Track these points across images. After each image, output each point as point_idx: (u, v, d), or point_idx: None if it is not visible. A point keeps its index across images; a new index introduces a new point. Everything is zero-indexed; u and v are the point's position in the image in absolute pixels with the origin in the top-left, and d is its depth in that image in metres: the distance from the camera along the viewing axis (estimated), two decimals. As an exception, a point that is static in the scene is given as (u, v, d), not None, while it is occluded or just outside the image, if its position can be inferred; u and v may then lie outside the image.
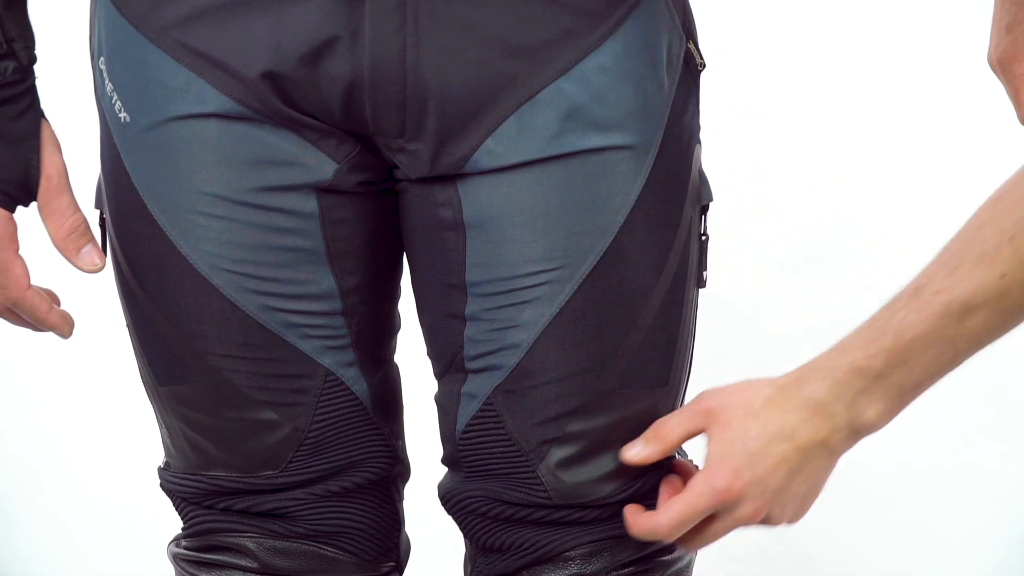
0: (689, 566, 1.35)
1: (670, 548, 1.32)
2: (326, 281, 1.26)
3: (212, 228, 1.23)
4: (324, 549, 1.33)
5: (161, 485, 1.38)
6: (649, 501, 1.28)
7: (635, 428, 1.26)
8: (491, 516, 1.28)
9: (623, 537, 1.27)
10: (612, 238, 1.22)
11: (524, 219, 1.21)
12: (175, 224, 1.24)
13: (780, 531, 1.87)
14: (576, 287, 1.21)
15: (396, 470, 1.37)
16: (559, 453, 1.24)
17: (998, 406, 2.47)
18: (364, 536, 1.35)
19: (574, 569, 1.28)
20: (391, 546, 1.38)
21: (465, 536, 1.33)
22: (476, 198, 1.22)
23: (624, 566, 1.28)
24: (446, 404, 1.29)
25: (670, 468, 1.30)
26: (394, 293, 1.36)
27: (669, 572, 1.31)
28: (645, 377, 1.25)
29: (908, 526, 2.44)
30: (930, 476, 2.46)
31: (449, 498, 1.31)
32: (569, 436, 1.24)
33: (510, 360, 1.23)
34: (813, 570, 2.39)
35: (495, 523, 1.29)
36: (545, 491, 1.25)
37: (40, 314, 1.24)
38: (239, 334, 1.26)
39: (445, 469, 1.34)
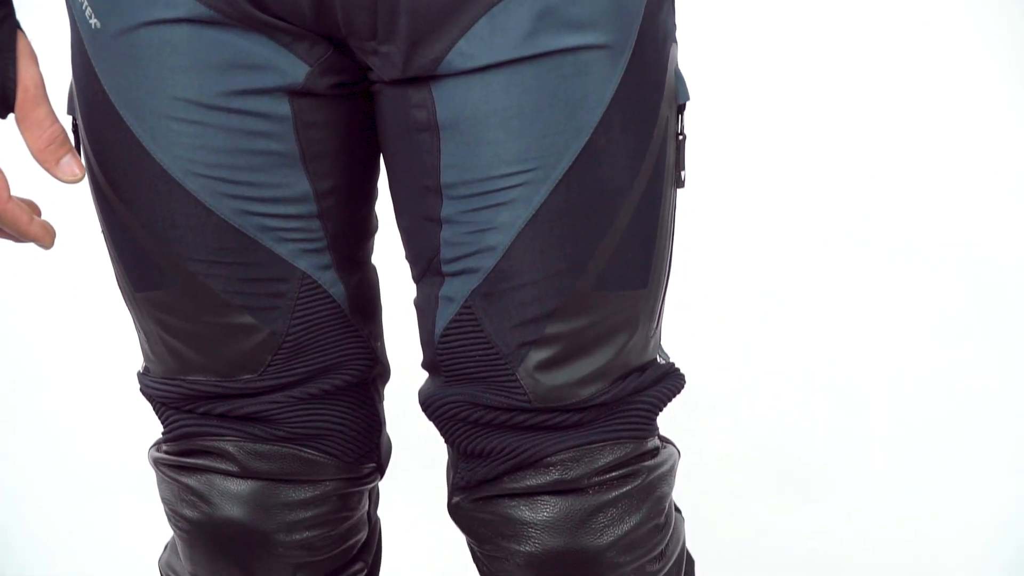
0: (672, 470, 1.37)
1: (653, 452, 1.33)
2: (300, 184, 1.27)
3: (185, 133, 1.24)
4: (305, 452, 1.35)
5: (141, 390, 1.39)
6: (629, 404, 1.30)
7: (614, 330, 1.26)
8: (471, 421, 1.29)
9: (605, 442, 1.29)
10: (587, 138, 1.21)
11: (498, 120, 1.20)
12: (148, 130, 1.24)
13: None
14: (552, 188, 1.21)
15: (375, 371, 1.39)
16: (537, 355, 1.25)
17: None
18: (345, 438, 1.36)
19: (555, 474, 1.29)
20: (372, 447, 1.40)
21: (447, 442, 1.34)
22: (450, 100, 1.22)
23: (605, 471, 1.30)
24: (424, 307, 1.29)
25: (643, 368, 1.32)
26: (370, 195, 1.36)
27: (652, 477, 1.33)
28: (624, 279, 1.26)
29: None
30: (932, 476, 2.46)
31: (430, 404, 1.32)
32: (547, 338, 1.24)
33: (487, 263, 1.23)
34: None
35: (476, 428, 1.30)
36: (524, 394, 1.26)
37: (21, 225, 1.24)
38: (214, 239, 1.26)
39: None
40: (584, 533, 1.30)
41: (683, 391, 1.36)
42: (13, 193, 1.24)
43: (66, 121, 1.30)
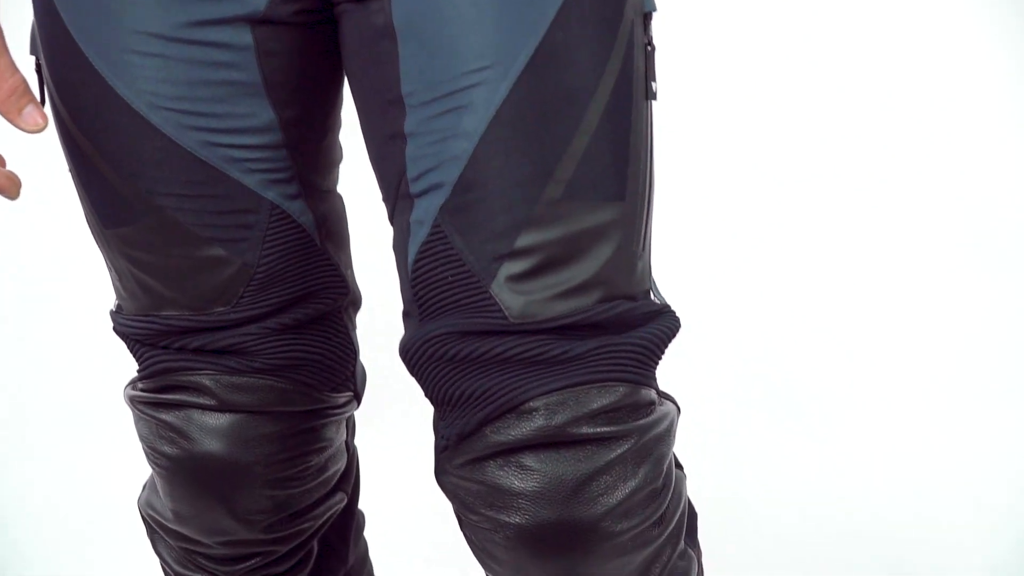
0: (671, 429, 1.28)
1: (648, 408, 1.25)
2: (265, 114, 1.27)
3: (148, 66, 1.24)
4: (281, 382, 1.35)
5: (114, 328, 1.39)
6: (619, 342, 1.22)
7: (591, 243, 1.21)
8: (449, 358, 1.22)
9: (591, 384, 1.21)
10: (544, 33, 1.18)
11: (453, 15, 1.18)
12: (110, 65, 1.24)
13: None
14: (511, 86, 1.17)
15: (347, 299, 1.39)
16: (511, 268, 1.19)
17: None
18: (321, 367, 1.37)
19: (539, 420, 1.20)
20: (347, 375, 1.41)
21: (428, 395, 1.26)
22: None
23: (594, 418, 1.21)
24: (399, 241, 1.25)
25: (632, 297, 1.24)
26: (334, 124, 1.36)
27: (648, 437, 1.24)
28: (597, 188, 1.20)
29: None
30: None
31: (408, 349, 1.24)
32: (520, 251, 1.19)
33: (452, 174, 1.19)
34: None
35: (453, 366, 1.22)
36: (500, 310, 1.19)
37: None
38: (181, 171, 1.26)
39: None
40: (577, 503, 1.20)
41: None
42: None
43: (29, 62, 1.30)
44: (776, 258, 2.99)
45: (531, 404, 1.19)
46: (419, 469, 2.02)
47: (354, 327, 1.43)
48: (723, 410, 2.69)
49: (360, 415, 1.59)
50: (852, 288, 2.94)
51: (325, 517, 1.47)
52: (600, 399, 1.20)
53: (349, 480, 1.52)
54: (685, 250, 2.93)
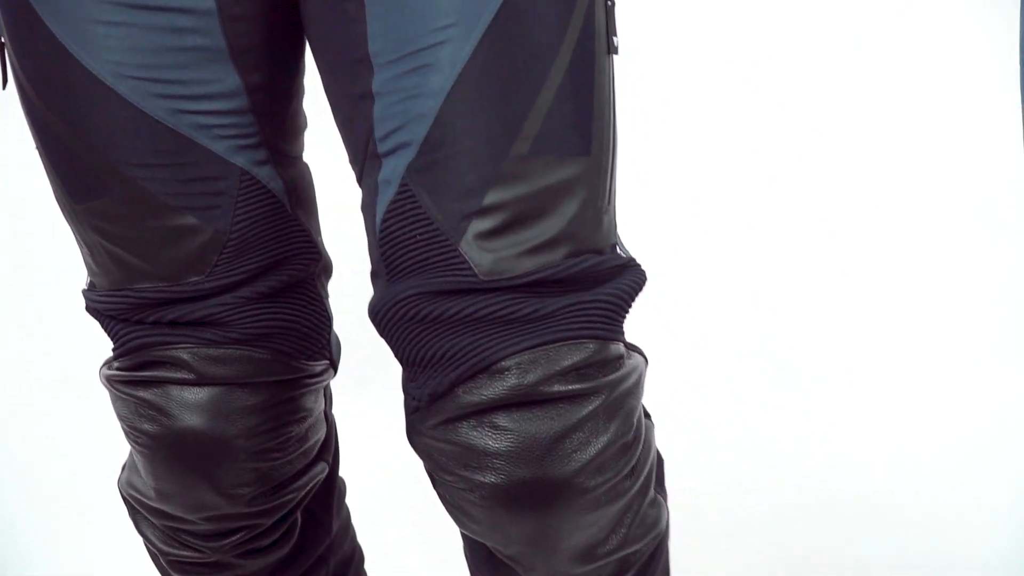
0: (640, 381, 1.30)
1: (617, 362, 1.26)
2: (231, 79, 1.27)
3: (112, 36, 1.23)
4: (259, 352, 1.35)
5: (87, 307, 1.39)
6: (587, 299, 1.23)
7: (558, 199, 1.22)
8: (419, 319, 1.22)
9: (562, 341, 1.22)
10: None
11: None
12: (74, 36, 1.23)
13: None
14: (476, 44, 1.18)
15: (319, 266, 1.39)
16: (479, 225, 1.20)
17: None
18: (297, 335, 1.37)
19: (511, 379, 1.21)
20: (323, 343, 1.41)
21: (397, 356, 1.26)
22: None
23: (565, 375, 1.22)
24: (367, 201, 1.25)
25: (599, 251, 1.25)
26: (299, 90, 1.36)
27: (617, 392, 1.25)
28: (562, 144, 1.21)
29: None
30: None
31: (377, 310, 1.24)
32: (488, 208, 1.20)
33: (418, 132, 1.20)
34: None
35: (423, 326, 1.22)
36: (469, 268, 1.20)
37: None
38: (150, 141, 1.26)
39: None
40: (551, 461, 1.22)
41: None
42: None
43: None
44: (774, 234, 3.00)
45: (503, 364, 1.21)
46: (396, 435, 2.03)
47: (327, 294, 1.43)
48: (720, 391, 2.70)
49: (334, 384, 1.59)
50: (852, 263, 2.96)
51: (308, 488, 1.46)
52: (571, 356, 1.22)
53: (329, 450, 1.52)
54: (680, 222, 2.93)
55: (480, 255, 1.20)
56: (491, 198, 1.19)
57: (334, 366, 1.44)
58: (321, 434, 1.46)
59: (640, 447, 1.29)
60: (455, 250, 1.20)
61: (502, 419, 1.21)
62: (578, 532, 1.26)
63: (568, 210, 1.22)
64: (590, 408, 1.23)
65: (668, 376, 2.54)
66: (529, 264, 1.21)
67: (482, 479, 1.22)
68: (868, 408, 2.62)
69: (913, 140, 2.99)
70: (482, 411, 1.22)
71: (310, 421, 1.42)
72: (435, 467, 1.26)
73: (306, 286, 1.38)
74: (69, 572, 2.24)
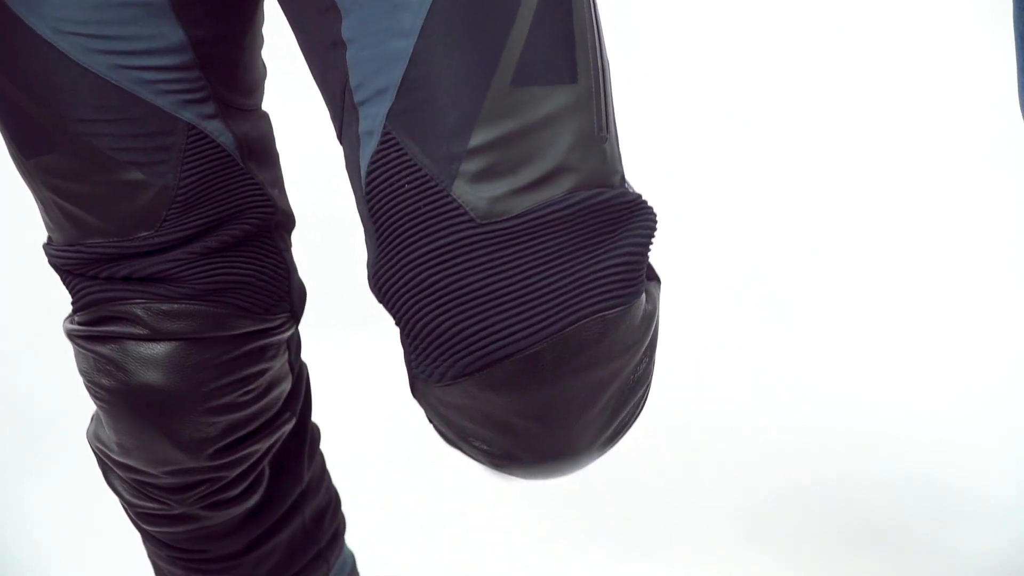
0: (657, 324, 1.25)
1: (640, 329, 1.20)
2: (174, 34, 1.26)
3: None
4: (213, 307, 1.35)
5: (49, 261, 1.40)
6: (605, 268, 1.17)
7: (549, 131, 1.17)
8: (423, 287, 1.15)
9: (579, 321, 1.15)
10: None
11: None
12: None
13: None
14: None
15: (276, 219, 1.39)
16: (470, 167, 1.15)
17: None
18: (252, 288, 1.37)
19: (530, 364, 1.15)
20: (282, 295, 1.40)
21: (400, 328, 1.20)
22: None
23: (584, 357, 1.16)
24: (350, 156, 1.21)
25: (610, 185, 1.19)
26: (254, 42, 1.35)
27: (637, 357, 1.21)
28: (546, 71, 1.16)
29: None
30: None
31: (378, 279, 1.19)
32: (476, 149, 1.15)
33: (394, 75, 1.16)
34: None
35: (428, 297, 1.15)
36: (464, 212, 1.14)
37: None
38: (93, 97, 1.26)
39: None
40: (570, 439, 1.19)
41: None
42: None
43: None
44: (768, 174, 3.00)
45: (522, 355, 1.15)
46: (369, 379, 2.04)
47: (287, 246, 1.43)
48: (711, 324, 2.70)
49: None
50: (849, 195, 2.95)
51: (273, 439, 1.47)
52: (594, 333, 1.16)
53: (297, 399, 1.52)
54: (672, 155, 2.93)
55: (475, 197, 1.15)
56: (478, 138, 1.15)
57: (296, 317, 1.44)
58: (285, 385, 1.46)
59: (651, 374, 1.25)
60: (447, 195, 1.15)
61: (521, 406, 1.17)
62: (587, 464, 1.24)
63: (562, 142, 1.16)
64: (615, 379, 1.19)
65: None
66: (528, 202, 1.15)
67: (500, 452, 1.20)
68: (863, 341, 2.62)
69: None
70: (500, 394, 1.16)
71: (271, 373, 1.43)
72: (448, 432, 1.23)
73: (261, 239, 1.38)
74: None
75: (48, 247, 1.38)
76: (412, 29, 1.15)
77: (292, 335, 1.48)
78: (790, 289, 2.74)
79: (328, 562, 1.64)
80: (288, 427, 1.48)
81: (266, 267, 1.38)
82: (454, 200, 1.15)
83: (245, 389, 1.39)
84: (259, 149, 1.36)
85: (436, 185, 1.15)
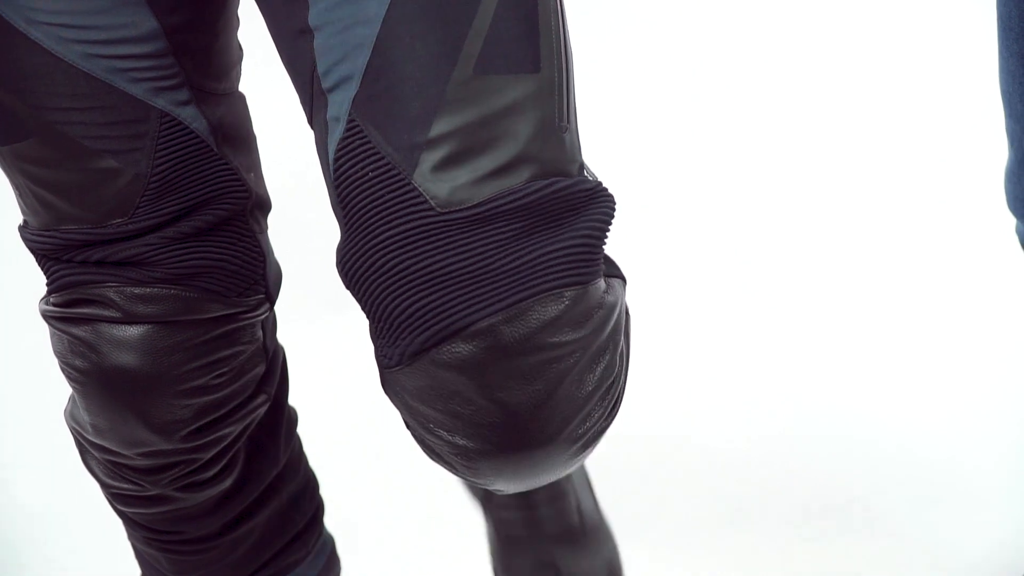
0: (620, 317, 1.28)
1: (598, 305, 1.24)
2: (147, 22, 1.29)
3: None
4: (186, 291, 1.38)
5: (24, 243, 1.42)
6: (562, 252, 1.22)
7: (510, 120, 1.21)
8: (386, 271, 1.21)
9: (539, 295, 1.20)
10: None
11: None
12: None
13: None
14: None
15: (251, 203, 1.42)
16: (431, 157, 1.19)
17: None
18: (225, 272, 1.40)
19: (489, 340, 1.20)
20: (256, 279, 1.43)
21: (365, 311, 1.25)
22: None
23: (542, 331, 1.20)
24: (319, 141, 1.26)
25: (568, 173, 1.23)
26: (228, 26, 1.38)
27: (599, 340, 1.23)
28: (508, 61, 1.20)
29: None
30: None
31: (344, 263, 1.24)
32: (438, 138, 1.19)
33: (359, 63, 1.20)
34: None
35: (390, 280, 1.21)
36: (425, 201, 1.19)
37: None
38: (66, 85, 1.29)
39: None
40: (536, 428, 1.22)
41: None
42: None
43: None
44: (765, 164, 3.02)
45: (477, 326, 1.19)
46: (348, 363, 2.05)
47: (262, 229, 1.45)
48: (705, 315, 2.71)
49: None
50: (851, 186, 2.97)
51: (247, 422, 1.50)
52: (549, 310, 1.20)
53: (272, 381, 1.54)
54: (664, 139, 2.95)
55: (435, 186, 1.19)
56: (439, 127, 1.19)
57: (271, 300, 1.47)
58: (260, 368, 1.49)
59: (622, 377, 1.29)
60: (408, 184, 1.20)
61: (479, 384, 1.20)
62: (560, 468, 1.27)
63: (523, 131, 1.21)
64: (572, 361, 1.22)
65: (654, 312, 2.58)
66: (488, 190, 1.20)
67: (464, 444, 1.23)
68: (852, 331, 2.64)
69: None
70: (458, 371, 1.21)
71: (246, 355, 1.45)
72: (416, 426, 1.27)
73: (235, 223, 1.41)
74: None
75: (24, 230, 1.41)
76: (376, 16, 1.19)
77: (267, 317, 1.51)
78: (776, 281, 2.77)
79: (307, 545, 1.67)
80: (263, 409, 1.51)
81: (239, 251, 1.41)
82: (415, 189, 1.19)
83: (218, 372, 1.42)
84: (234, 133, 1.39)
85: (398, 174, 1.20)
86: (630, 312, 1.33)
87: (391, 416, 1.57)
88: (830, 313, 2.65)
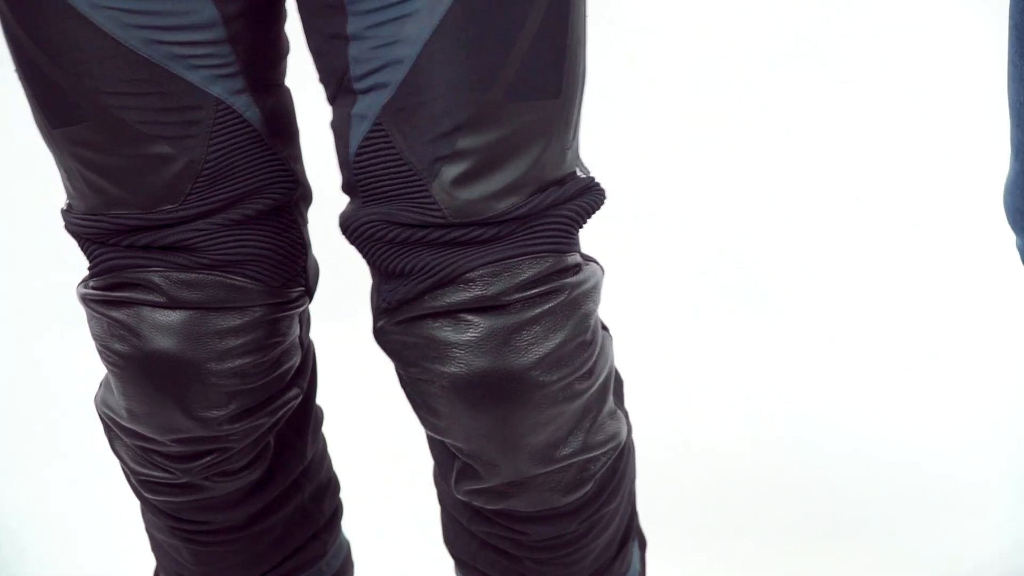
0: (596, 287, 1.42)
1: (575, 268, 1.39)
2: (207, 10, 1.32)
3: None
4: (230, 278, 1.40)
5: (65, 227, 1.45)
6: (547, 218, 1.35)
7: (528, 141, 1.32)
8: (388, 240, 1.34)
9: (523, 256, 1.34)
10: None
11: None
12: None
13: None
14: None
15: (297, 194, 1.45)
16: (451, 171, 1.30)
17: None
18: (270, 263, 1.42)
19: (476, 291, 1.34)
20: (298, 270, 1.46)
21: (368, 263, 1.39)
22: None
23: (526, 286, 1.35)
24: (339, 128, 1.34)
25: (561, 182, 1.35)
26: (279, 17, 1.41)
27: (575, 293, 1.38)
28: (535, 88, 1.31)
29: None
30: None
31: (348, 225, 1.37)
32: (460, 153, 1.30)
33: (396, 76, 1.28)
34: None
35: (393, 247, 1.35)
36: (439, 209, 1.31)
37: None
38: (125, 70, 1.31)
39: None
40: (508, 352, 1.35)
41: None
42: None
43: None
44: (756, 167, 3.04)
45: (468, 275, 1.33)
46: (375, 361, 2.07)
47: (305, 222, 1.48)
48: (691, 322, 2.73)
49: (315, 309, 1.64)
50: (842, 188, 3.00)
51: (280, 413, 1.52)
52: (530, 269, 1.34)
53: (304, 375, 1.57)
54: (656, 144, 2.97)
55: (449, 199, 1.31)
56: (463, 143, 1.29)
57: (309, 293, 1.50)
58: (295, 360, 1.51)
59: (597, 350, 1.41)
60: (426, 190, 1.31)
61: (465, 316, 1.34)
62: (537, 429, 1.38)
63: (536, 150, 1.32)
64: (547, 306, 1.35)
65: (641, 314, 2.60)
66: (497, 207, 1.32)
67: (443, 369, 1.35)
68: (851, 334, 2.67)
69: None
70: (447, 312, 1.34)
71: (283, 347, 1.47)
72: (401, 362, 1.39)
73: (282, 214, 1.43)
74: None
75: (68, 214, 1.44)
76: (419, 38, 1.27)
77: (304, 311, 1.54)
78: (775, 283, 2.79)
79: (325, 544, 1.70)
80: (295, 402, 1.54)
81: (284, 242, 1.43)
82: (430, 195, 1.31)
83: (257, 361, 1.44)
84: (283, 124, 1.42)
85: (419, 181, 1.31)
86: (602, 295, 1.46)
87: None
88: (833, 320, 2.68)
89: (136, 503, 1.54)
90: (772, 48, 3.22)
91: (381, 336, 1.40)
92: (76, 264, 1.46)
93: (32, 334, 2.70)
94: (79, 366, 2.59)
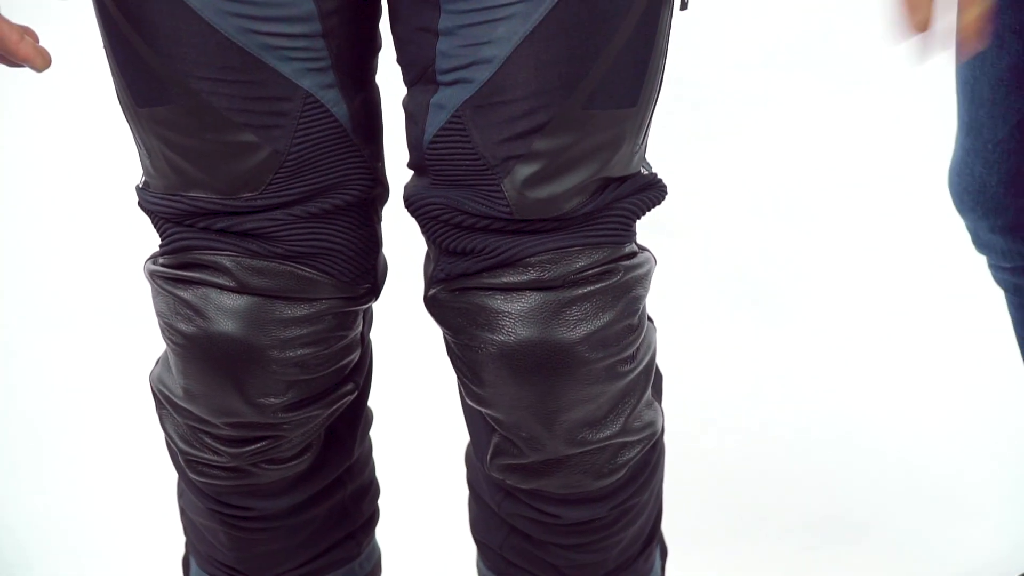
0: (648, 274, 1.47)
1: (630, 255, 1.44)
2: (305, 4, 1.34)
3: None
4: (302, 269, 1.43)
5: (140, 204, 1.48)
6: (609, 212, 1.40)
7: (600, 147, 1.37)
8: (453, 224, 1.40)
9: (583, 247, 1.39)
10: None
11: None
12: None
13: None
14: (551, 6, 1.30)
15: (375, 192, 1.47)
16: (524, 170, 1.35)
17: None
18: (342, 257, 1.45)
19: (533, 274, 1.39)
20: (369, 268, 1.49)
21: (427, 239, 1.44)
22: None
23: (582, 271, 1.40)
24: (415, 112, 1.39)
25: (623, 179, 1.40)
26: (375, 13, 1.43)
27: (627, 277, 1.43)
28: (614, 98, 1.35)
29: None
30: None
31: (413, 202, 1.42)
32: (534, 154, 1.34)
33: (482, 75, 1.32)
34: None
35: (456, 230, 1.40)
36: (507, 205, 1.36)
37: (11, 44, 1.31)
38: (218, 57, 1.34)
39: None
40: (557, 325, 1.39)
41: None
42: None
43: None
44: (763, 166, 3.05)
45: (529, 260, 1.39)
46: (432, 365, 2.09)
47: (379, 220, 1.51)
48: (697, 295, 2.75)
49: (377, 310, 1.66)
50: (844, 187, 3.01)
51: (335, 407, 1.54)
52: (588, 258, 1.40)
53: (361, 372, 1.59)
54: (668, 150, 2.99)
55: (519, 198, 1.36)
56: (538, 145, 1.34)
57: (376, 291, 1.52)
58: (355, 356, 1.54)
59: (642, 336, 1.47)
60: (497, 186, 1.36)
61: (519, 291, 1.39)
62: (578, 405, 1.43)
63: (606, 156, 1.37)
64: (599, 285, 1.40)
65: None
66: (563, 207, 1.38)
67: (492, 336, 1.40)
68: (852, 338, 2.68)
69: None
70: (503, 288, 1.40)
71: (345, 341, 1.50)
72: (450, 329, 1.44)
73: (359, 210, 1.46)
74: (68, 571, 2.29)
75: (144, 192, 1.46)
76: (508, 40, 1.31)
77: (368, 308, 1.57)
78: (780, 285, 2.81)
79: (360, 545, 1.73)
80: (350, 398, 1.56)
81: (358, 239, 1.46)
82: (501, 191, 1.36)
83: (318, 352, 1.47)
84: (368, 122, 1.44)
85: (492, 176, 1.36)
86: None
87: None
88: (833, 324, 2.70)
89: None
90: (785, 56, 3.25)
91: (433, 303, 1.44)
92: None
93: (34, 334, 2.72)
94: (82, 367, 2.64)
